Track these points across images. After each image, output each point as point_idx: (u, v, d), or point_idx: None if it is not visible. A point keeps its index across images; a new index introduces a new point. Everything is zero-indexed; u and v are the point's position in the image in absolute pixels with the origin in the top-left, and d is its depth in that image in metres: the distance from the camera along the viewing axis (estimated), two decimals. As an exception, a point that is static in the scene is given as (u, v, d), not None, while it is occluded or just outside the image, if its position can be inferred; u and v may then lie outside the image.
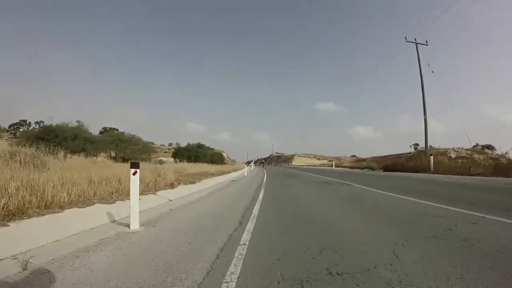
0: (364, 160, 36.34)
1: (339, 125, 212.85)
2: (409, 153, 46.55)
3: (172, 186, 8.58)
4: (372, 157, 37.06)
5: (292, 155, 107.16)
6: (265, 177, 16.66)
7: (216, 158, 44.93)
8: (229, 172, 20.79)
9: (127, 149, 28.29)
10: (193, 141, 56.68)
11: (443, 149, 20.86)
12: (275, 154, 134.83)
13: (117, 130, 34.83)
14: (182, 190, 8.50)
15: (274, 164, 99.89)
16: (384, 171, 19.76)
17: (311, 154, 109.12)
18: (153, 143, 38.38)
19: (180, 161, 33.00)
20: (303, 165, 68.82)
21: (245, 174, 20.66)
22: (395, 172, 17.84)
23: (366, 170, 23.48)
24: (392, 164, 19.66)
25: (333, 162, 35.95)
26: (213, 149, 56.50)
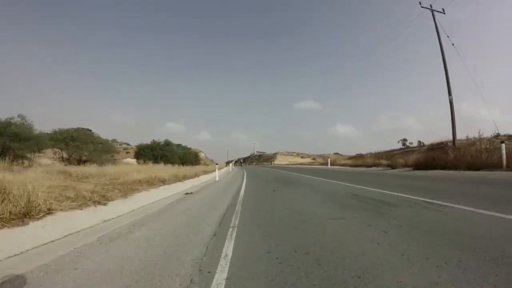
0: (363, 156, 31.48)
1: (319, 123, 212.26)
2: (400, 149, 42.25)
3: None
4: (371, 153, 32.55)
5: (274, 153, 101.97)
6: (243, 184, 10.84)
7: (190, 158, 38.48)
8: (195, 176, 14.92)
9: (83, 149, 23.89)
10: (175, 141, 49.91)
11: (471, 138, 15.41)
12: (256, 153, 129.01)
13: (90, 130, 28.00)
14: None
15: (256, 164, 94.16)
16: (415, 169, 14.31)
17: (294, 152, 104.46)
18: (118, 142, 31.25)
19: (145, 162, 26.64)
20: (288, 164, 63.42)
21: (217, 178, 14.63)
22: (442, 171, 12.29)
23: (389, 169, 17.81)
24: (424, 160, 14.19)
25: (328, 159, 30.38)
26: (189, 148, 49.48)
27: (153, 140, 28.93)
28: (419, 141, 41.23)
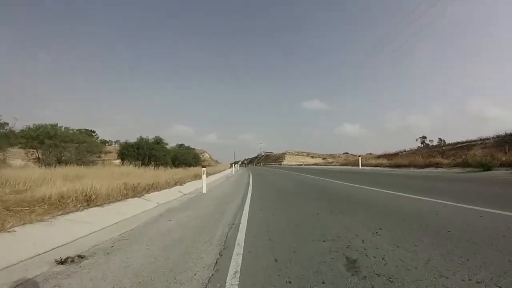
0: (394, 155, 25.91)
1: (325, 123, 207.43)
2: (427, 146, 36.51)
3: None
4: (401, 152, 27.25)
5: (283, 153, 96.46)
6: (247, 203, 5.89)
7: (187, 158, 33.34)
8: (176, 184, 10.26)
9: (63, 148, 20.67)
10: (181, 143, 44.70)
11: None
12: (263, 154, 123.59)
13: (93, 132, 23.53)
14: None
15: (263, 164, 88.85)
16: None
17: (303, 152, 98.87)
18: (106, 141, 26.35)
19: (131, 163, 21.76)
20: (300, 165, 57.76)
21: (204, 190, 9.47)
22: None
23: (476, 170, 11.77)
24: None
25: (359, 158, 24.70)
26: (192, 148, 44.18)
27: (140, 137, 23.85)
28: (440, 139, 35.75)
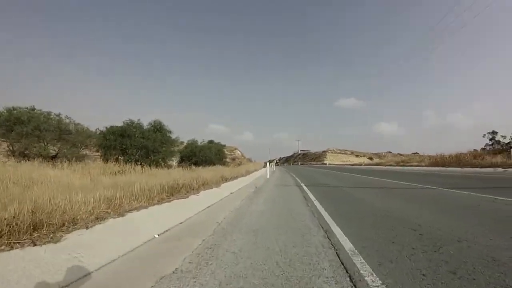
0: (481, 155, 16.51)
1: (363, 121, 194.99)
2: (486, 147, 25.39)
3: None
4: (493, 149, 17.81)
5: (323, 151, 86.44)
6: None
7: (208, 155, 25.83)
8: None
9: (39, 138, 15.11)
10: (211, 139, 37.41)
11: None
12: (300, 152, 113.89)
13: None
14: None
15: (301, 164, 79.79)
16: None
17: (347, 150, 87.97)
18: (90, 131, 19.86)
19: (117, 160, 14.89)
20: (349, 164, 47.77)
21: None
22: None
23: None
24: None
25: None
26: (219, 143, 35.94)
27: (129, 120, 16.55)
28: None
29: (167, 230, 3.90)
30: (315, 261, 2.43)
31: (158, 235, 3.65)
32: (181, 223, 4.37)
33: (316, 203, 5.78)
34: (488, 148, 22.19)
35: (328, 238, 3.10)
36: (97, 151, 17.27)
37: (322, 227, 3.63)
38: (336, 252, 2.62)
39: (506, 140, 24.86)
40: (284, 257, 2.56)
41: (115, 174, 10.42)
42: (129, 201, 4.43)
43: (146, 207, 4.43)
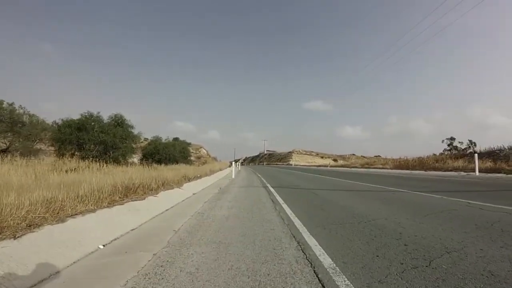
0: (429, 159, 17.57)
1: (328, 124, 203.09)
2: (444, 152, 27.89)
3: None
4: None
5: (289, 152, 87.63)
6: None
7: (174, 153, 24.77)
8: None
9: None
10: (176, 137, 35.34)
11: None
12: (266, 152, 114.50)
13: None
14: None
15: (267, 164, 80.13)
16: None
17: (312, 152, 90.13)
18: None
19: (73, 156, 13.60)
20: (315, 166, 48.57)
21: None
22: None
23: None
24: None
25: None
26: (185, 141, 34.53)
27: (88, 112, 15.11)
28: (470, 140, 27.39)
29: (115, 239, 3.25)
30: (290, 283, 1.95)
31: (104, 245, 2.99)
32: (133, 230, 3.73)
33: (285, 206, 5.36)
34: (446, 153, 23.66)
35: (303, 252, 2.64)
36: (52, 145, 15.66)
37: (295, 237, 3.17)
38: (314, 271, 2.17)
39: (463, 146, 26.83)
40: (252, 279, 2.04)
41: (67, 171, 9.28)
42: (74, 204, 3.70)
43: (93, 210, 3.78)
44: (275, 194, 7.68)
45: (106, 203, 4.17)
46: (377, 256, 2.46)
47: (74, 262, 2.45)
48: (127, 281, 2.06)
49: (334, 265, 2.26)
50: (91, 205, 3.85)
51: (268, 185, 10.60)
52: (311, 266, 2.26)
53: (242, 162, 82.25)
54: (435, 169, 16.53)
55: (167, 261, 2.49)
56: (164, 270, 2.27)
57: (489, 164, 14.64)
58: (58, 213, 3.19)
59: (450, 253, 2.47)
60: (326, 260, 2.38)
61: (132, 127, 16.64)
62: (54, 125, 16.57)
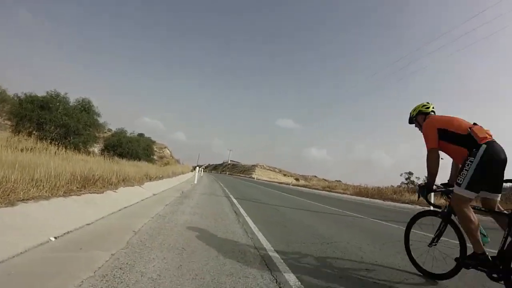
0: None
1: (296, 144, 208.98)
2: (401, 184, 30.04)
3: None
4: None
5: (253, 165, 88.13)
6: None
7: (137, 149, 23.75)
8: None
9: None
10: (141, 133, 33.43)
11: None
12: (229, 162, 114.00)
13: None
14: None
15: (229, 174, 79.62)
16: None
17: (276, 168, 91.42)
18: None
19: (30, 134, 12.43)
20: (276, 182, 49.41)
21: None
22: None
23: None
24: None
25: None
26: (150, 138, 33.05)
27: (55, 91, 14.08)
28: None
29: (68, 232, 2.99)
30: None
31: (55, 237, 2.74)
32: (88, 224, 3.47)
33: (248, 219, 5.34)
34: (403, 186, 25.21)
35: (267, 267, 2.64)
36: (9, 119, 14.35)
37: (259, 252, 3.18)
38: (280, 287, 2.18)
39: (420, 181, 28.74)
40: (217, 291, 2.00)
41: (22, 150, 8.51)
42: (27, 188, 3.38)
43: (47, 198, 3.49)
44: (238, 205, 7.64)
45: (62, 192, 3.86)
46: (340, 277, 2.54)
47: (21, 253, 2.21)
48: (82, 281, 1.89)
49: (300, 283, 2.29)
50: (46, 192, 3.54)
51: (231, 195, 10.52)
52: (276, 283, 2.27)
53: (204, 169, 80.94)
54: (392, 200, 17.55)
55: (127, 263, 2.33)
56: (123, 273, 2.12)
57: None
58: (8, 195, 2.89)
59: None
60: (291, 277, 2.40)
61: (98, 115, 15.78)
62: (15, 99, 15.29)
